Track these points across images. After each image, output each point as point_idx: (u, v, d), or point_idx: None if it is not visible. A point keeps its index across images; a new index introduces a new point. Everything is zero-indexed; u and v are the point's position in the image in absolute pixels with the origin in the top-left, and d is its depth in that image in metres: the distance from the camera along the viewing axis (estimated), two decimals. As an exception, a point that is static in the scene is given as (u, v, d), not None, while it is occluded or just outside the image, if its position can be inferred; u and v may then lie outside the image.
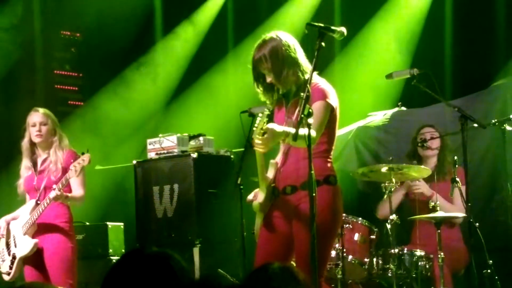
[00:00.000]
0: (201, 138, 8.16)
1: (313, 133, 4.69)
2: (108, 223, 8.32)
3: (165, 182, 8.00)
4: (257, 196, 5.14)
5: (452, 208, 6.87)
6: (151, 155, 8.20)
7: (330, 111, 4.94)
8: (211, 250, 7.78)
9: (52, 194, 6.30)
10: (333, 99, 4.99)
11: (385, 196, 6.70)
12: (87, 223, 8.54)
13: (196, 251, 7.68)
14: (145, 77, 10.13)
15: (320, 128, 4.87)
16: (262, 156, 4.99)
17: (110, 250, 8.13)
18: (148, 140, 8.27)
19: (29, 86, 9.50)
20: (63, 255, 6.49)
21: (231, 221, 7.38)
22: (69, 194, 6.45)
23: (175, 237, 7.79)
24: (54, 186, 6.34)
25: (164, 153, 8.11)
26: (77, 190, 6.55)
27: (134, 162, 8.28)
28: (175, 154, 8.05)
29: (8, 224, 6.70)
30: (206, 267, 7.63)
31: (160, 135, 8.20)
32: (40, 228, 6.52)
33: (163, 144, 8.12)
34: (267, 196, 5.05)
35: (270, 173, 5.08)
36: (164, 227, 7.91)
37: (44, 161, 6.66)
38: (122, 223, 8.47)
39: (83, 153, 6.34)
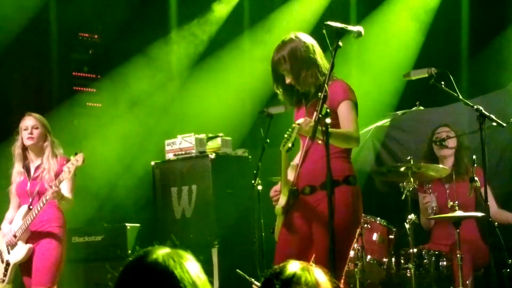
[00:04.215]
0: (218, 139, 8.17)
1: (354, 133, 4.88)
2: (126, 224, 8.34)
3: (183, 183, 8.02)
4: (278, 194, 5.14)
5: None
6: (169, 156, 8.22)
7: (356, 107, 4.98)
8: (230, 250, 7.79)
9: (49, 192, 6.24)
10: (354, 96, 5.02)
11: (403, 196, 6.68)
12: (106, 224, 8.57)
13: (214, 252, 7.70)
14: (160, 78, 10.12)
15: (356, 126, 4.94)
16: (286, 160, 4.99)
17: (129, 251, 8.15)
18: (166, 141, 8.30)
19: (48, 88, 9.54)
20: (51, 260, 6.41)
21: (249, 222, 7.40)
22: (64, 194, 6.39)
23: (194, 238, 7.81)
24: (51, 183, 6.29)
25: (182, 154, 8.13)
26: (67, 195, 6.48)
27: (152, 163, 8.30)
28: (193, 155, 8.07)
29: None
30: (224, 268, 7.64)
31: (178, 136, 8.21)
32: (33, 234, 6.47)
33: (181, 145, 8.15)
34: (288, 199, 5.06)
35: (291, 176, 5.08)
36: (182, 228, 7.93)
37: (37, 168, 6.60)
38: (138, 224, 8.48)
39: (76, 153, 6.30)
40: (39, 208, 6.33)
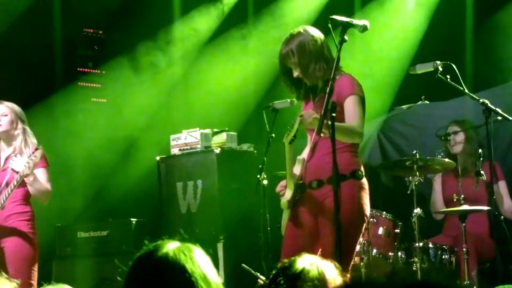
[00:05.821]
0: (224, 134, 8.17)
1: (358, 128, 4.88)
2: (132, 219, 8.33)
3: (188, 178, 8.02)
4: (284, 189, 5.14)
5: None
6: (174, 151, 8.22)
7: (363, 103, 4.98)
8: (235, 245, 7.79)
9: (17, 177, 6.11)
10: (362, 91, 5.02)
11: (409, 190, 6.68)
12: (111, 219, 8.57)
13: (220, 247, 7.70)
14: (165, 73, 10.10)
15: (361, 121, 4.95)
16: (291, 153, 5.00)
17: (135, 246, 8.13)
18: (171, 136, 8.29)
19: (52, 84, 9.54)
20: (24, 258, 6.30)
21: (255, 216, 7.40)
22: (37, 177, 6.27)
23: (199, 233, 7.80)
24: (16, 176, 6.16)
25: (187, 149, 8.13)
26: (45, 184, 6.37)
27: (157, 158, 8.30)
28: (198, 150, 8.07)
29: None
30: (230, 263, 7.64)
31: (183, 131, 8.21)
32: (1, 228, 6.32)
33: (186, 140, 8.14)
34: (295, 193, 5.05)
35: (297, 170, 5.08)
36: (188, 222, 7.92)
37: (7, 158, 6.42)
38: (144, 219, 8.46)
39: (36, 149, 6.21)
40: (7, 195, 6.17)
